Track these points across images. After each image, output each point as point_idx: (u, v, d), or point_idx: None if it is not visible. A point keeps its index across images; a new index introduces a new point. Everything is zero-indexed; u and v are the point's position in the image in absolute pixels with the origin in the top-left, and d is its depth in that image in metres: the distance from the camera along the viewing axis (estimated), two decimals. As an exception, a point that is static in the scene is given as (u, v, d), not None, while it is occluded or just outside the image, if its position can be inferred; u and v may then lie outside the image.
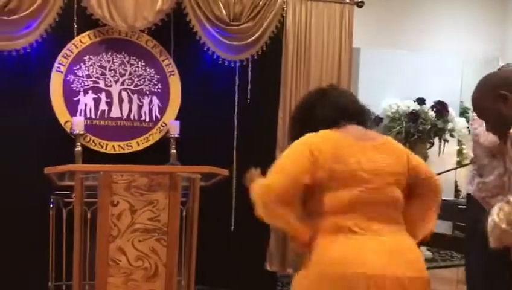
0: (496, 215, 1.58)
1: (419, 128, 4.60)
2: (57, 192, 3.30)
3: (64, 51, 3.62)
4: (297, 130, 1.81)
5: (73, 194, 2.63)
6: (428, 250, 4.79)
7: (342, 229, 1.65)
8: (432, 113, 4.63)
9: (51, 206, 3.41)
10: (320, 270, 1.64)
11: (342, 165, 1.66)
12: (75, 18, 3.58)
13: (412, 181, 1.79)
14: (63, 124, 3.64)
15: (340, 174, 1.66)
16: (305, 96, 1.92)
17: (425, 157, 4.81)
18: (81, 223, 2.48)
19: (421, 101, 4.68)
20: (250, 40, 3.87)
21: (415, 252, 1.72)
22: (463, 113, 5.12)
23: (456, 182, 5.12)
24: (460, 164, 4.96)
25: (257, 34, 3.87)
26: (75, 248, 2.46)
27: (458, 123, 4.82)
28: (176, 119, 3.84)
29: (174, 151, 3.76)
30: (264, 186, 1.65)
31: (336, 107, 1.77)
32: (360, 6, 4.13)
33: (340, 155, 1.67)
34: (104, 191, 2.45)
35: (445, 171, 4.18)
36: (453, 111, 4.81)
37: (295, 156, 1.67)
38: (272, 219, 1.66)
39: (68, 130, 3.64)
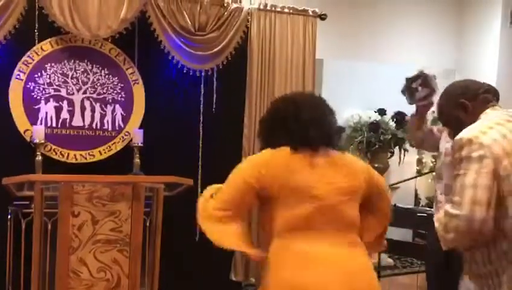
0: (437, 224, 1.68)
1: (380, 138, 4.71)
2: (16, 202, 3.21)
3: (24, 58, 3.55)
4: (266, 136, 1.82)
5: (33, 205, 2.57)
6: (389, 257, 4.89)
7: (292, 247, 1.63)
8: (392, 124, 4.76)
9: (9, 217, 3.33)
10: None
11: (294, 182, 1.65)
12: (36, 25, 3.52)
13: (368, 194, 1.80)
14: (22, 133, 3.56)
15: (292, 191, 1.65)
16: (276, 105, 1.84)
17: (386, 166, 4.93)
18: (40, 234, 2.42)
19: (381, 111, 4.80)
20: (215, 50, 3.89)
21: (368, 274, 1.69)
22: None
23: (416, 190, 5.26)
24: (420, 173, 5.10)
25: (222, 44, 3.90)
26: (34, 259, 2.40)
27: (417, 133, 4.95)
28: (140, 128, 3.82)
29: (138, 160, 3.72)
30: (208, 200, 1.70)
31: (304, 136, 1.72)
32: (323, 19, 4.22)
33: (292, 172, 1.66)
34: (64, 202, 2.40)
35: (405, 180, 4.30)
36: (412, 121, 4.93)
37: (250, 167, 1.69)
38: (213, 235, 1.67)
39: (28, 139, 3.55)
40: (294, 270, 1.62)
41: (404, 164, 4.91)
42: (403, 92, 2.74)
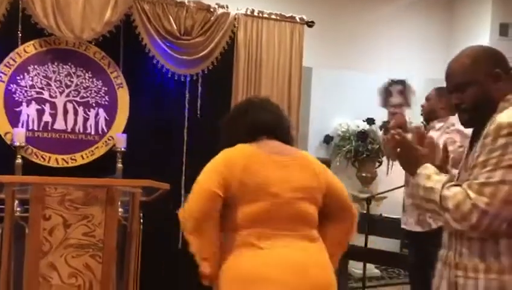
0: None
1: (368, 147, 4.67)
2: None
3: (6, 59, 3.51)
4: (224, 137, 1.89)
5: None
6: (376, 268, 4.83)
7: (249, 244, 1.66)
8: (380, 133, 4.71)
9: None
10: (226, 286, 1.66)
11: (252, 179, 1.68)
12: (19, 26, 3.48)
13: (328, 201, 1.80)
14: (3, 136, 3.51)
15: (250, 187, 1.68)
16: (234, 107, 2.01)
17: (374, 176, 4.89)
18: (10, 238, 2.36)
19: (370, 121, 4.76)
20: (200, 54, 3.86)
21: (322, 267, 1.70)
22: (411, 133, 5.23)
23: (403, 200, 5.20)
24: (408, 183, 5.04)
25: (208, 49, 3.87)
26: (3, 264, 2.34)
27: (406, 143, 4.91)
28: (123, 132, 3.77)
29: (120, 165, 3.66)
30: (185, 211, 1.71)
31: (256, 121, 1.82)
32: (310, 26, 4.19)
33: (251, 169, 1.69)
34: (35, 205, 2.35)
35: (392, 189, 4.25)
36: (401, 131, 4.90)
37: (210, 174, 1.71)
38: (191, 241, 1.71)
39: (8, 142, 3.50)
40: (252, 265, 1.64)
41: (392, 173, 4.85)
42: (379, 90, 2.73)
